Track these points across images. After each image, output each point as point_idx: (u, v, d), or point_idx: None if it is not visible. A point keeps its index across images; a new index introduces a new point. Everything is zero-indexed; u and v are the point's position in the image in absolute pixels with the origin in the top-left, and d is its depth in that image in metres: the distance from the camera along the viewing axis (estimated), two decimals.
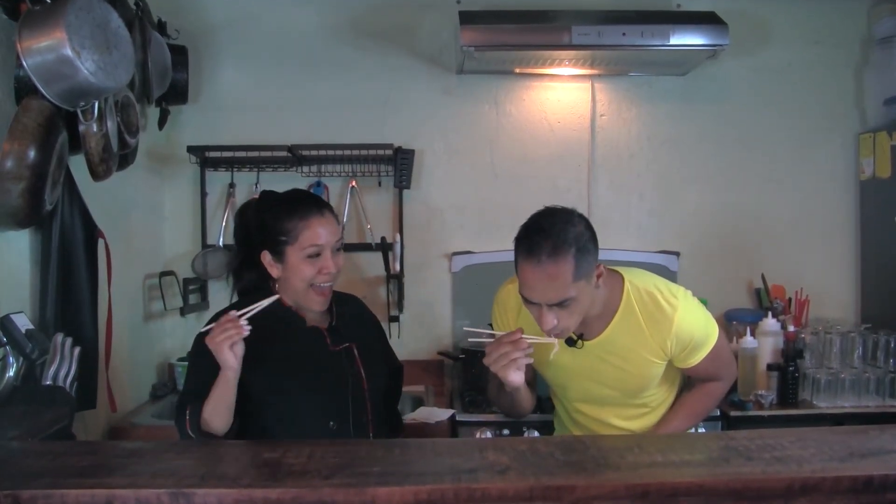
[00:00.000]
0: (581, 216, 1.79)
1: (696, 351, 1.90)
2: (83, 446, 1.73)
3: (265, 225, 1.83)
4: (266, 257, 1.84)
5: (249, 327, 1.66)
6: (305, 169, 3.13)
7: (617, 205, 3.27)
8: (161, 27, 2.86)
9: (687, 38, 2.80)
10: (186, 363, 2.86)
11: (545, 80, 3.23)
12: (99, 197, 2.32)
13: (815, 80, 3.26)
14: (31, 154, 1.84)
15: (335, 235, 1.83)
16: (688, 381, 2.08)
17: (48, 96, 1.86)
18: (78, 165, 2.14)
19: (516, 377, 1.79)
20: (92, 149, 2.08)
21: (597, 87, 3.25)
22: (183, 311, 2.96)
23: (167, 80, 2.83)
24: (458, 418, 2.67)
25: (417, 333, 3.22)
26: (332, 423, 1.80)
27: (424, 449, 1.27)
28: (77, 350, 1.96)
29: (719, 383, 2.03)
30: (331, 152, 3.08)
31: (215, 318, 1.88)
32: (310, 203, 1.84)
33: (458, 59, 3.04)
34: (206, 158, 3.09)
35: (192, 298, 3.05)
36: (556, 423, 2.20)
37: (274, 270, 1.84)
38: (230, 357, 1.65)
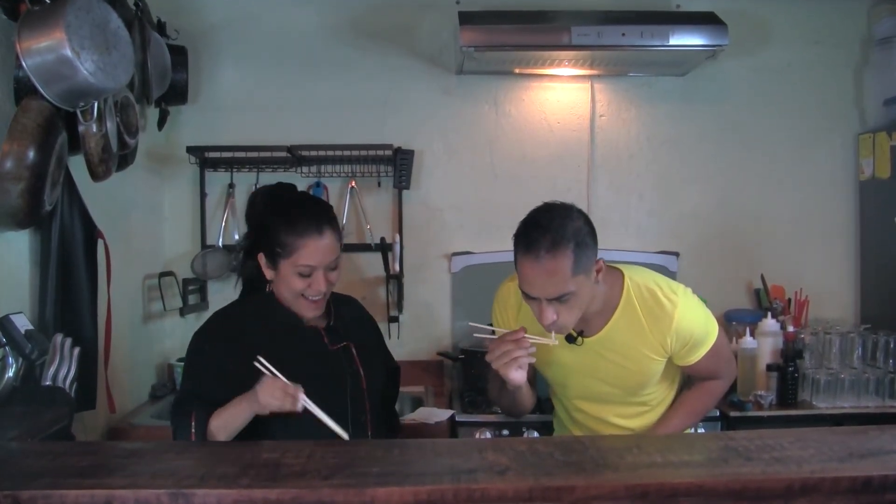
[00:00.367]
0: (580, 211, 1.79)
1: (696, 348, 1.90)
2: (83, 447, 1.73)
3: (265, 227, 1.82)
4: (262, 259, 1.84)
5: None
6: (305, 169, 3.13)
7: (616, 205, 3.27)
8: (160, 27, 2.86)
9: (686, 39, 2.80)
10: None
11: (545, 80, 3.23)
12: (98, 197, 2.32)
13: (815, 81, 3.26)
14: (31, 154, 1.84)
15: (331, 255, 1.80)
16: (687, 380, 2.08)
17: (48, 97, 1.86)
18: (77, 166, 2.14)
19: (518, 375, 1.79)
20: (91, 149, 2.08)
21: (596, 88, 3.25)
22: (182, 312, 2.96)
23: (167, 81, 2.83)
24: (457, 419, 2.67)
25: (417, 334, 3.22)
26: None
27: (424, 449, 1.27)
28: (76, 350, 1.96)
29: (719, 382, 2.03)
30: (330, 153, 3.08)
31: (216, 318, 1.88)
32: (311, 220, 1.79)
33: (458, 60, 3.04)
34: (206, 159, 3.09)
35: (192, 299, 3.05)
36: (556, 423, 2.20)
37: (268, 272, 1.84)
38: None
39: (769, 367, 2.76)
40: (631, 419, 2.00)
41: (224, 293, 3.07)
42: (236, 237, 3.12)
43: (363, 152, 3.08)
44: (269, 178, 3.09)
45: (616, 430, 1.98)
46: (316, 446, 1.22)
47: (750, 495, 1.02)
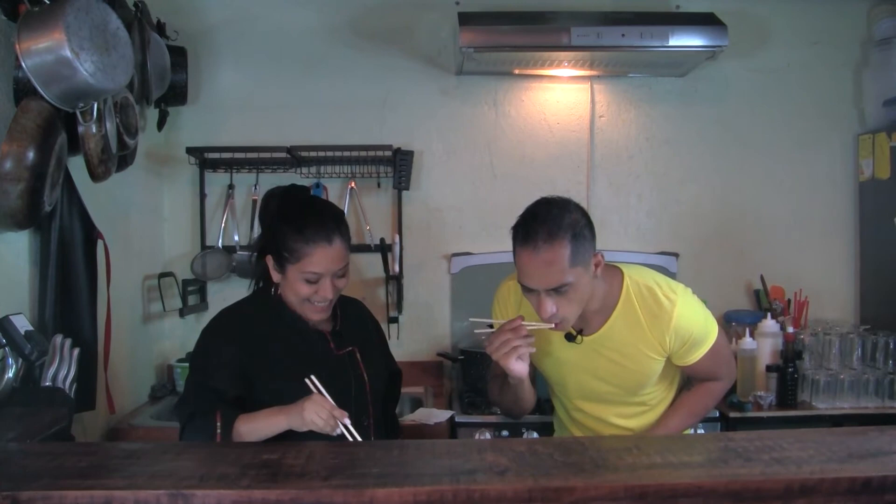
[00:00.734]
0: (577, 205, 1.80)
1: (695, 348, 1.90)
2: (82, 447, 1.73)
3: (275, 230, 1.81)
4: (270, 261, 1.83)
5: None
6: (304, 170, 3.13)
7: (616, 206, 3.27)
8: (160, 28, 2.86)
9: (686, 40, 2.80)
10: (186, 364, 2.87)
11: (544, 81, 3.23)
12: (98, 198, 2.32)
13: (815, 82, 3.26)
14: (30, 155, 1.84)
15: (339, 263, 1.79)
16: (687, 381, 2.08)
17: (47, 97, 1.86)
18: (77, 167, 2.14)
19: (518, 367, 1.80)
20: (91, 150, 2.08)
21: (596, 88, 3.25)
22: (182, 313, 2.96)
23: (166, 82, 2.83)
24: (457, 420, 2.67)
25: (416, 335, 3.22)
26: None
27: (423, 450, 1.27)
28: (76, 351, 1.96)
29: (719, 383, 2.03)
30: (330, 153, 3.08)
31: (225, 316, 1.87)
32: (321, 227, 1.77)
33: (458, 60, 3.04)
34: (205, 160, 3.09)
35: (192, 300, 3.05)
36: (556, 423, 2.20)
37: (275, 276, 1.84)
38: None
39: (769, 368, 2.76)
40: (630, 419, 2.00)
41: (223, 294, 3.07)
42: (236, 238, 3.12)
43: (363, 153, 3.07)
44: (269, 178, 3.09)
45: (615, 429, 1.99)
46: (315, 447, 1.22)
47: (749, 496, 1.02)
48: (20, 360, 1.84)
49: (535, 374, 2.04)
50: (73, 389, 1.92)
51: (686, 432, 2.06)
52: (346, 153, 3.07)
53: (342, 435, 1.67)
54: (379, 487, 1.01)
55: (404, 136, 3.17)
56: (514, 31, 2.85)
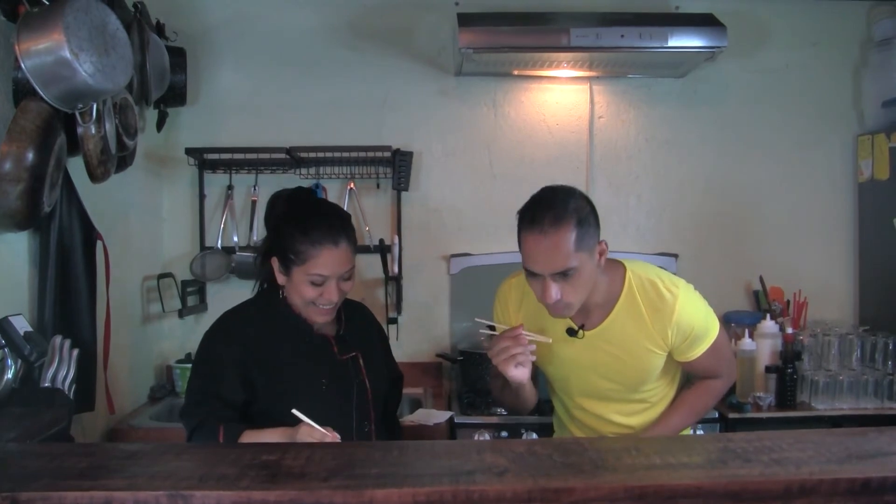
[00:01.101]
0: (582, 193, 1.82)
1: (696, 343, 1.91)
2: (81, 448, 1.72)
3: (280, 232, 1.81)
4: (275, 263, 1.83)
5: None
6: (304, 171, 3.13)
7: (615, 206, 3.27)
8: (159, 29, 2.86)
9: (685, 40, 2.80)
10: (185, 365, 2.88)
11: (544, 81, 3.23)
12: (97, 199, 2.33)
13: (814, 82, 3.27)
14: (30, 156, 1.84)
15: (345, 266, 1.78)
16: (687, 380, 2.08)
17: (46, 98, 1.86)
18: (76, 167, 2.15)
19: (518, 373, 1.81)
20: (90, 151, 2.09)
21: (595, 89, 3.25)
22: (181, 314, 2.96)
23: (165, 82, 2.83)
24: (456, 420, 2.67)
25: (416, 335, 3.22)
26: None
27: (422, 451, 1.27)
28: (75, 352, 1.96)
29: (719, 381, 2.03)
30: (329, 154, 3.08)
31: (228, 319, 1.87)
32: (327, 229, 1.76)
33: (457, 61, 3.05)
34: (205, 160, 3.09)
35: (191, 300, 3.05)
36: (556, 423, 2.20)
37: (280, 278, 1.83)
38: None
39: (768, 369, 2.77)
40: (631, 417, 2.00)
41: (223, 294, 3.07)
42: (235, 239, 3.12)
43: (362, 154, 3.08)
44: (268, 179, 3.10)
45: (616, 427, 1.99)
46: (315, 448, 1.22)
47: (748, 497, 1.02)
48: (19, 361, 1.84)
49: (537, 374, 2.04)
50: (73, 390, 1.92)
51: (685, 432, 2.06)
52: (346, 154, 3.07)
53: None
54: (378, 488, 1.00)
55: (403, 136, 3.17)
56: (513, 31, 2.85)
